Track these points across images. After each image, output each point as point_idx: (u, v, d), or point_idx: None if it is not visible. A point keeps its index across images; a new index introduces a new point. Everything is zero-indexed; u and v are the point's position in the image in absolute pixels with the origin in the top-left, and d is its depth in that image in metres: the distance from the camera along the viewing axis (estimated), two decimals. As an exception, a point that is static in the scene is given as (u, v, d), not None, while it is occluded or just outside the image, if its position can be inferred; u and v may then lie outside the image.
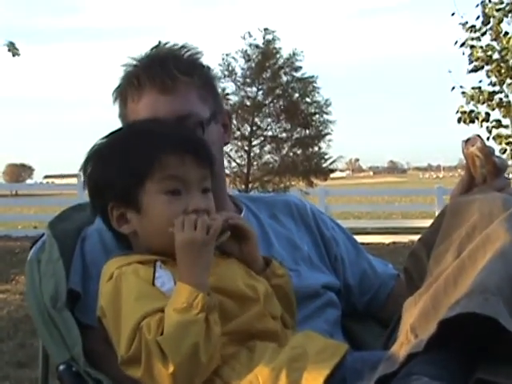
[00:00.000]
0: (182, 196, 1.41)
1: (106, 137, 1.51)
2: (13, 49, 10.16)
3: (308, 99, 13.75)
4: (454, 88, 12.81)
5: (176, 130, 1.50)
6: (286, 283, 1.49)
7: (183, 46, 1.67)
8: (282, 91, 13.57)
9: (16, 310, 6.48)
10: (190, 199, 1.41)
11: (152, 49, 1.68)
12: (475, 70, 12.83)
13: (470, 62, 12.85)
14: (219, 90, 1.82)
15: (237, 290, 1.36)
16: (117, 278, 1.34)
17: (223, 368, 1.29)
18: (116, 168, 1.43)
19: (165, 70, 1.61)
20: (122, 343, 1.26)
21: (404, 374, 1.13)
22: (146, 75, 1.61)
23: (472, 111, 12.71)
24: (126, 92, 1.64)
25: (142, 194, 1.40)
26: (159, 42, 1.70)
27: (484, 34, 12.73)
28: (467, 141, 1.52)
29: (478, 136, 1.52)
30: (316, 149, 13.97)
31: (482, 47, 12.72)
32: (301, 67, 13.76)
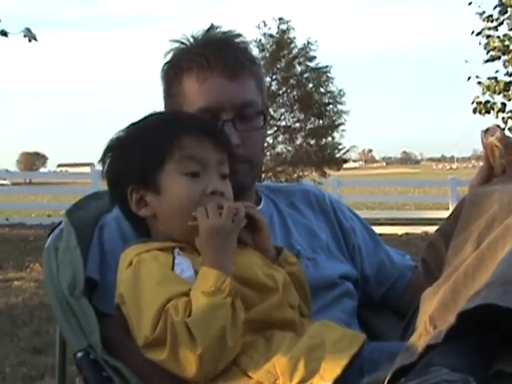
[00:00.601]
0: (201, 178, 1.42)
1: (126, 128, 1.51)
2: (29, 34, 10.19)
3: (322, 89, 13.70)
4: (469, 78, 12.74)
5: (196, 117, 1.53)
6: (299, 271, 1.49)
7: (239, 34, 1.68)
8: (296, 81, 13.53)
9: (31, 297, 6.53)
10: (208, 181, 1.42)
11: (207, 31, 1.68)
12: (491, 59, 12.75)
13: (487, 51, 12.77)
14: None
15: (255, 280, 1.37)
16: (136, 265, 1.35)
17: (241, 357, 1.29)
18: (136, 152, 1.44)
19: (235, 55, 1.61)
20: (145, 325, 1.27)
21: (423, 365, 1.13)
22: (218, 58, 1.60)
23: (488, 101, 12.63)
24: (189, 70, 1.62)
25: (162, 175, 1.42)
26: (212, 25, 1.70)
27: (501, 23, 12.63)
28: (486, 131, 1.51)
29: (498, 126, 1.51)
30: (329, 139, 13.94)
31: (498, 37, 12.62)
32: (315, 57, 13.71)
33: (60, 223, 1.66)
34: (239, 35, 1.68)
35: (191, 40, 1.66)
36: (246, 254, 1.41)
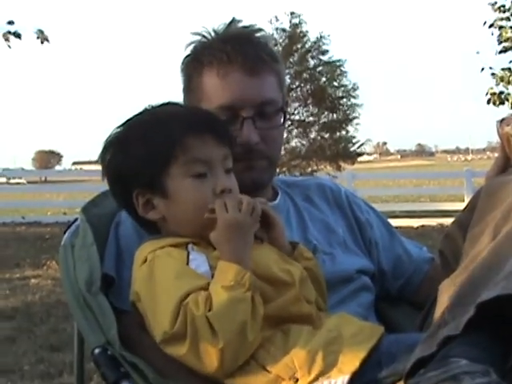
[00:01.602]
0: (208, 177, 1.41)
1: (123, 124, 1.49)
2: (41, 36, 10.22)
3: (335, 83, 13.67)
4: (483, 69, 12.68)
5: (195, 112, 1.50)
6: (315, 266, 1.49)
7: (260, 29, 1.67)
8: (309, 75, 13.50)
9: (48, 295, 6.56)
10: (215, 180, 1.41)
11: (228, 24, 1.67)
12: (504, 50, 12.68)
13: (500, 42, 12.69)
14: None
15: (272, 275, 1.36)
16: (151, 262, 1.34)
17: (258, 351, 1.28)
18: (138, 155, 1.42)
19: (256, 51, 1.60)
20: (163, 320, 1.26)
21: (442, 356, 1.12)
22: (238, 54, 1.59)
23: (502, 92, 12.57)
24: (209, 64, 1.61)
25: (168, 179, 1.40)
26: (233, 19, 1.68)
27: (514, 13, 12.53)
28: (502, 121, 1.49)
29: None
30: (343, 133, 13.91)
31: (511, 27, 12.53)
32: (328, 51, 13.68)
33: (76, 220, 1.66)
34: (260, 29, 1.67)
35: (212, 34, 1.65)
36: (261, 250, 1.41)
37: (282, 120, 1.66)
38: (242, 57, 1.58)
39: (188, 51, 1.67)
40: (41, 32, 10.25)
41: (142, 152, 1.41)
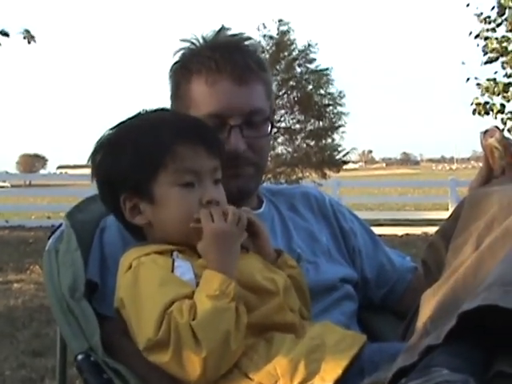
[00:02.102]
0: (196, 187, 1.41)
1: (115, 127, 1.49)
2: (28, 36, 10.17)
3: (322, 91, 13.70)
4: (468, 79, 12.77)
5: (187, 120, 1.49)
6: (299, 274, 1.49)
7: (248, 37, 1.67)
8: (296, 83, 13.52)
9: (31, 299, 6.52)
10: (203, 190, 1.41)
11: (217, 32, 1.67)
12: (490, 61, 12.77)
13: (485, 53, 12.79)
14: None
15: (255, 284, 1.37)
16: (135, 269, 1.34)
17: (241, 359, 1.29)
18: (128, 159, 1.42)
19: (244, 60, 1.60)
20: (147, 328, 1.26)
21: (423, 365, 1.13)
22: (227, 62, 1.59)
23: (487, 103, 12.66)
24: (198, 72, 1.61)
25: (155, 186, 1.40)
26: (222, 26, 1.69)
27: (499, 25, 12.66)
28: (485, 132, 1.51)
29: (497, 127, 1.51)
30: (329, 140, 13.93)
31: (497, 38, 12.64)
32: (315, 59, 13.71)
33: (60, 225, 1.66)
34: (249, 38, 1.67)
35: (201, 41, 1.66)
36: (246, 259, 1.41)
37: (270, 129, 1.66)
38: (230, 65, 1.59)
39: (176, 58, 1.67)
40: (27, 32, 10.20)
41: (132, 156, 1.41)
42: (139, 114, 1.52)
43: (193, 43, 1.66)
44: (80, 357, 1.41)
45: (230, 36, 1.67)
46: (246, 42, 1.66)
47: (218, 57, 1.60)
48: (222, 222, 1.35)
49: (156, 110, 1.53)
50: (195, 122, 1.49)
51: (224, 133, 1.58)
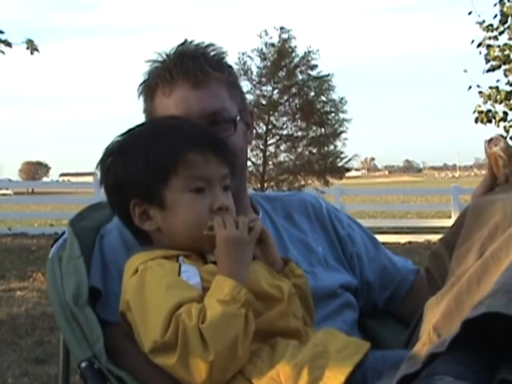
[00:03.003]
0: (206, 194, 1.42)
1: (125, 133, 1.51)
2: (31, 46, 10.19)
3: (323, 98, 13.70)
4: (470, 87, 12.76)
5: (198, 128, 1.50)
6: (304, 284, 1.49)
7: (210, 44, 1.67)
8: (298, 90, 13.53)
9: (34, 307, 6.52)
10: (213, 197, 1.43)
11: (179, 46, 1.67)
12: (492, 69, 12.77)
13: (487, 61, 12.79)
14: None
15: (260, 290, 1.37)
16: (142, 272, 1.35)
17: (245, 365, 1.29)
18: (139, 165, 1.43)
19: (197, 64, 1.60)
20: (154, 330, 1.27)
21: (427, 373, 1.13)
22: (179, 69, 1.60)
23: (489, 111, 12.65)
24: (155, 86, 1.63)
25: (167, 192, 1.42)
26: (185, 40, 1.69)
27: (502, 32, 12.66)
28: (490, 141, 1.51)
29: (501, 136, 1.51)
30: (331, 147, 13.92)
31: (499, 46, 12.64)
32: (316, 66, 13.71)
33: (63, 233, 1.67)
34: (211, 45, 1.66)
35: (165, 57, 1.65)
36: (252, 266, 1.42)
37: (234, 130, 1.63)
38: (182, 72, 1.59)
39: (143, 78, 1.68)
40: (30, 41, 10.22)
41: (143, 162, 1.43)
42: (152, 120, 1.54)
43: (157, 61, 1.66)
44: (83, 364, 1.41)
45: (191, 46, 1.67)
46: (207, 49, 1.66)
47: (171, 66, 1.61)
48: (234, 229, 1.36)
49: (167, 118, 1.54)
50: (206, 130, 1.51)
51: None
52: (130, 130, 1.51)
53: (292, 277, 1.46)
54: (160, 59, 1.66)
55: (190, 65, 1.60)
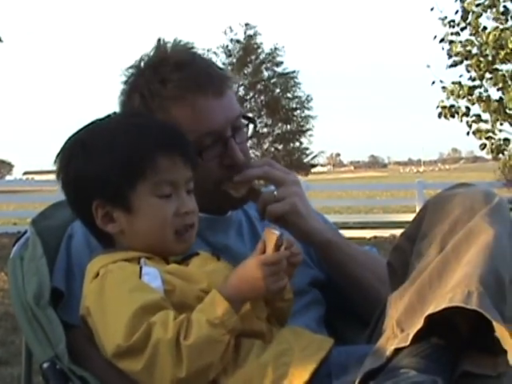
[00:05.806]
0: (172, 198, 1.40)
1: (84, 128, 1.45)
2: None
3: (289, 94, 13.77)
4: (434, 82, 12.90)
5: (165, 128, 1.46)
6: (288, 307, 1.47)
7: (193, 47, 1.64)
8: (264, 86, 13.59)
9: (-5, 307, 6.43)
10: (180, 201, 1.40)
11: (157, 48, 1.61)
12: (454, 64, 12.93)
13: (450, 56, 12.94)
14: None
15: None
16: (103, 276, 1.33)
17: None
18: (103, 165, 1.38)
19: (217, 72, 1.60)
20: (117, 334, 1.24)
21: (391, 367, 1.14)
22: (205, 79, 1.56)
23: (452, 106, 12.81)
24: (181, 98, 1.55)
25: (133, 195, 1.38)
26: (159, 39, 1.63)
27: (463, 28, 12.82)
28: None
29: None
30: (297, 144, 14.01)
31: (461, 42, 12.80)
32: (282, 62, 13.79)
33: (25, 232, 1.64)
34: (193, 47, 1.63)
35: (172, 66, 1.57)
36: (216, 268, 1.41)
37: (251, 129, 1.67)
38: (208, 82, 1.56)
39: (142, 90, 1.58)
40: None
41: (108, 162, 1.38)
42: (111, 116, 1.47)
43: (136, 67, 1.60)
44: (45, 365, 1.39)
45: (180, 49, 1.63)
46: (203, 55, 1.67)
47: (193, 76, 1.55)
48: (273, 283, 1.31)
49: (129, 114, 1.51)
50: (173, 130, 1.46)
51: (218, 148, 1.57)
52: (91, 125, 1.45)
53: (280, 301, 1.43)
54: (166, 69, 1.57)
55: (213, 73, 1.59)
